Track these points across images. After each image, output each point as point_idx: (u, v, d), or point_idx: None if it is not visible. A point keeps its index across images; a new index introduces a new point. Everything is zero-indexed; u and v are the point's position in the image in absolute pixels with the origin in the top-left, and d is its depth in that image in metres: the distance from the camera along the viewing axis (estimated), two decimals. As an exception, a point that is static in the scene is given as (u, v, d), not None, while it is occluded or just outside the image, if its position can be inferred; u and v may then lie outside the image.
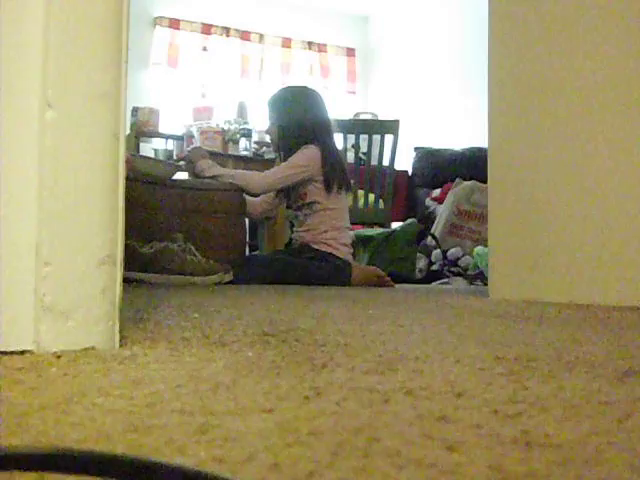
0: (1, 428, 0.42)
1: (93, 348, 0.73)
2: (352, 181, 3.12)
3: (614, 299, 1.67)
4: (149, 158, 3.63)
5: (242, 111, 5.05)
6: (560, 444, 0.40)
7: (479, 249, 3.62)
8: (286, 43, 6.39)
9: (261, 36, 6.26)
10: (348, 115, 5.50)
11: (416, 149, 5.15)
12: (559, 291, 1.79)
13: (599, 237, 1.74)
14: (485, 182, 2.11)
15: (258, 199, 2.88)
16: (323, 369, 0.66)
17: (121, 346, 0.76)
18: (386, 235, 3.61)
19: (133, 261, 2.27)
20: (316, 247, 2.75)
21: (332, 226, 2.78)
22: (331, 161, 2.75)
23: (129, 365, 0.66)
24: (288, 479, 0.34)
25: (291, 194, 2.86)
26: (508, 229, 1.98)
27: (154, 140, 4.90)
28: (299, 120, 2.79)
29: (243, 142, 4.67)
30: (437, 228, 4.02)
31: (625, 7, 1.75)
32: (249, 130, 4.73)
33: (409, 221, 3.84)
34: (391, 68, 6.45)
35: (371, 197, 3.83)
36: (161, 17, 5.84)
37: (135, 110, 4.69)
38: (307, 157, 2.73)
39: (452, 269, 3.72)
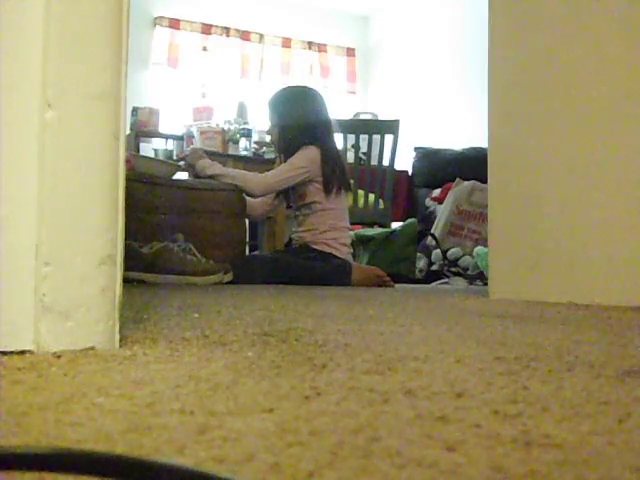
0: (1, 428, 0.42)
1: (93, 348, 0.73)
2: (352, 181, 3.12)
3: (614, 299, 1.67)
4: (149, 158, 3.63)
5: (242, 111, 5.05)
6: (560, 444, 0.40)
7: (479, 249, 3.62)
8: (286, 43, 6.38)
9: (261, 36, 6.26)
10: (348, 115, 5.50)
11: (416, 149, 5.15)
12: (559, 291, 1.79)
13: (599, 237, 1.74)
14: (485, 182, 2.11)
15: (258, 200, 2.88)
16: (323, 369, 0.66)
17: (121, 346, 0.76)
18: (386, 235, 3.61)
19: (133, 261, 2.27)
20: (316, 247, 2.75)
21: (332, 226, 2.78)
22: (331, 162, 2.75)
23: (129, 365, 0.66)
24: (288, 479, 0.34)
25: (291, 195, 2.86)
26: (508, 229, 1.98)
27: (154, 140, 4.89)
28: (299, 120, 2.78)
29: (243, 142, 4.67)
30: (437, 228, 4.02)
31: (625, 6, 1.75)
32: (249, 130, 4.73)
33: (409, 221, 3.84)
34: (391, 68, 6.44)
35: (371, 197, 3.83)
36: (161, 17, 5.84)
37: (135, 110, 4.68)
38: (306, 158, 2.73)
39: (452, 269, 3.72)
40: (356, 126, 3.93)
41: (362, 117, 5.55)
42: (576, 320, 1.27)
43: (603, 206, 1.74)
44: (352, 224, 3.08)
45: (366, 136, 3.79)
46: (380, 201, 3.86)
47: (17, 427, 0.42)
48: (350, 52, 6.69)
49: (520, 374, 0.64)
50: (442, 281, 3.62)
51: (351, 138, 3.76)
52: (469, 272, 3.66)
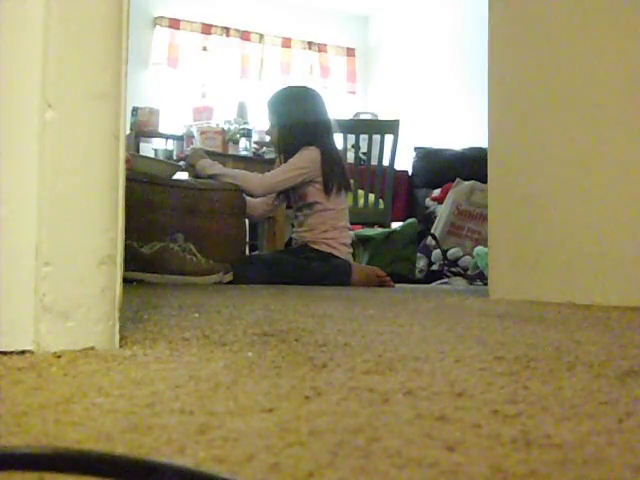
0: (1, 428, 0.42)
1: (93, 348, 0.73)
2: (352, 181, 3.12)
3: (614, 299, 1.67)
4: (149, 158, 3.63)
5: (242, 111, 5.05)
6: (560, 444, 0.40)
7: (479, 249, 3.62)
8: (286, 43, 6.39)
9: (261, 36, 6.26)
10: (348, 115, 5.50)
11: (416, 149, 5.15)
12: (559, 291, 1.79)
13: (599, 237, 1.74)
14: (485, 182, 2.11)
15: (258, 200, 2.88)
16: (323, 369, 0.66)
17: (121, 346, 0.76)
18: (386, 235, 3.61)
19: (133, 261, 2.27)
20: (316, 247, 2.75)
21: (332, 226, 2.78)
22: (331, 162, 2.75)
23: (129, 365, 0.66)
24: (288, 479, 0.34)
25: (291, 195, 2.86)
26: (508, 229, 1.98)
27: (154, 140, 4.90)
28: (299, 121, 2.78)
29: (243, 142, 4.67)
30: (437, 228, 4.02)
31: (626, 6, 1.75)
32: (249, 130, 4.73)
33: (409, 221, 3.84)
34: (391, 68, 6.45)
35: (371, 197, 3.83)
36: (161, 17, 5.84)
37: (135, 110, 4.69)
38: (306, 159, 2.72)
39: (452, 269, 3.72)
40: (356, 126, 3.93)
41: (362, 117, 5.55)
42: (576, 320, 1.27)
43: (603, 206, 1.74)
44: (352, 224, 3.08)
45: (366, 136, 3.79)
46: (380, 201, 3.86)
47: (17, 427, 0.42)
48: (350, 52, 6.69)
49: (520, 374, 0.64)
50: (442, 281, 3.62)
51: (351, 138, 3.76)
52: (469, 272, 3.66)
